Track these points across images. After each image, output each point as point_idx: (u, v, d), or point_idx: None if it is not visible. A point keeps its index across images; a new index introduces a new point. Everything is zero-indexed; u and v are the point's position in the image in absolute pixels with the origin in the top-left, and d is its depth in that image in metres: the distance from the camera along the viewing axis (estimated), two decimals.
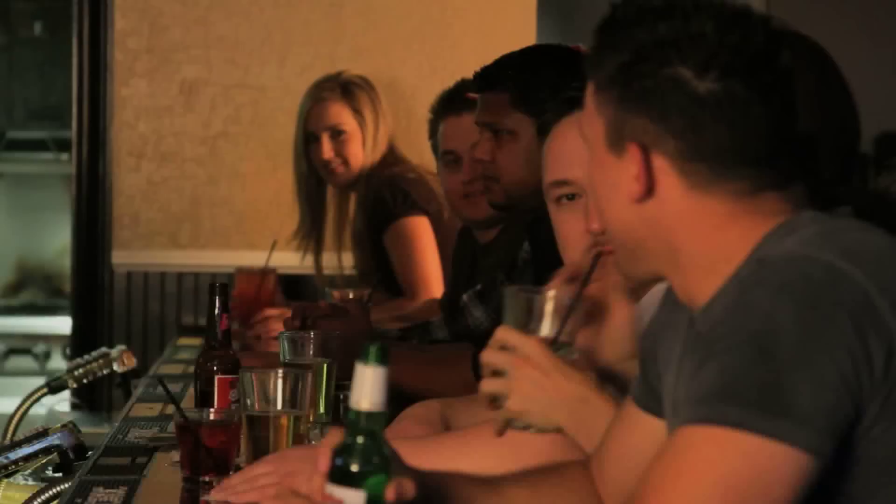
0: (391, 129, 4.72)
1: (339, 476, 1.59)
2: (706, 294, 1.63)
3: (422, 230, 4.50)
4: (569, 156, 2.24)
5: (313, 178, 4.71)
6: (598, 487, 1.88)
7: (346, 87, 4.67)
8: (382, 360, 1.59)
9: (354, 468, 1.59)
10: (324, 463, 1.58)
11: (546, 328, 2.00)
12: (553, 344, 1.98)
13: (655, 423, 1.80)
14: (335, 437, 1.60)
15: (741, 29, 1.62)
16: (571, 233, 2.24)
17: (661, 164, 1.64)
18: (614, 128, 1.66)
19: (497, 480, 1.85)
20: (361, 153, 4.61)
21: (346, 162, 4.61)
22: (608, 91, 1.66)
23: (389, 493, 1.59)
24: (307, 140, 4.67)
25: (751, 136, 1.63)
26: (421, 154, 4.62)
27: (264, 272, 4.14)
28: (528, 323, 2.01)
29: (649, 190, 1.65)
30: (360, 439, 1.59)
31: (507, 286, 2.08)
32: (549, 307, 2.01)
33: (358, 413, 1.59)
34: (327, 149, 4.62)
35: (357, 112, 4.63)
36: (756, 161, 1.63)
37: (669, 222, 1.65)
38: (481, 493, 1.80)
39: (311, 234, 4.78)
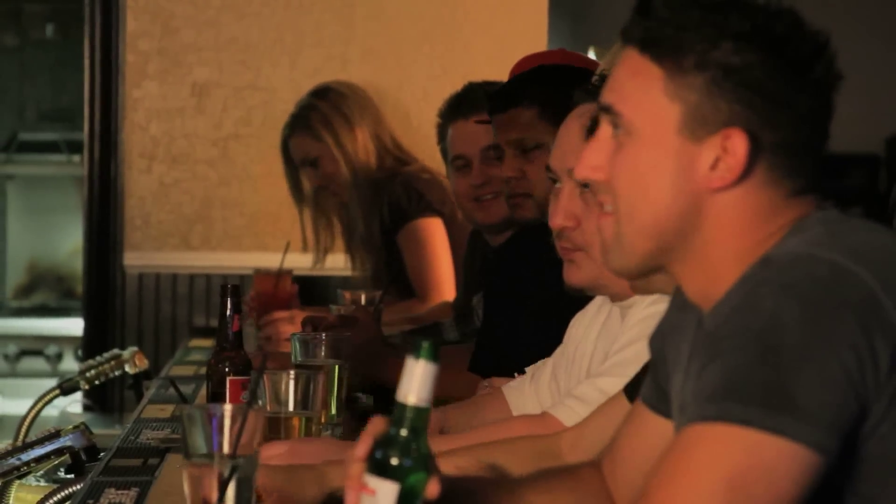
0: (374, 124, 4.70)
1: (377, 467, 1.59)
2: (722, 292, 1.62)
3: (436, 231, 4.50)
4: (562, 146, 2.35)
5: (312, 194, 4.72)
6: (609, 487, 1.88)
7: (301, 118, 4.66)
8: (433, 356, 1.59)
9: (394, 461, 1.59)
10: (363, 450, 1.59)
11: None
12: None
13: (664, 423, 1.80)
14: (378, 425, 1.60)
15: (805, 28, 1.64)
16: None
17: (747, 153, 1.62)
18: (699, 113, 1.62)
19: (515, 484, 1.86)
20: (343, 166, 4.60)
21: (333, 180, 4.61)
22: (694, 76, 1.62)
23: (431, 489, 1.59)
24: (293, 171, 4.70)
25: (825, 134, 1.65)
26: (431, 156, 4.62)
27: (280, 273, 4.15)
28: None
29: (738, 180, 1.63)
30: (402, 432, 1.59)
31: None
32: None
33: (404, 406, 1.59)
34: (312, 178, 4.65)
35: (316, 137, 4.63)
36: (814, 161, 1.65)
37: (718, 215, 1.64)
38: (500, 496, 1.81)
39: (320, 239, 4.78)
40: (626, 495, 1.85)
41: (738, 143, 1.62)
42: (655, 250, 1.67)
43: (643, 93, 1.65)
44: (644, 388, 1.85)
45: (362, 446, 1.59)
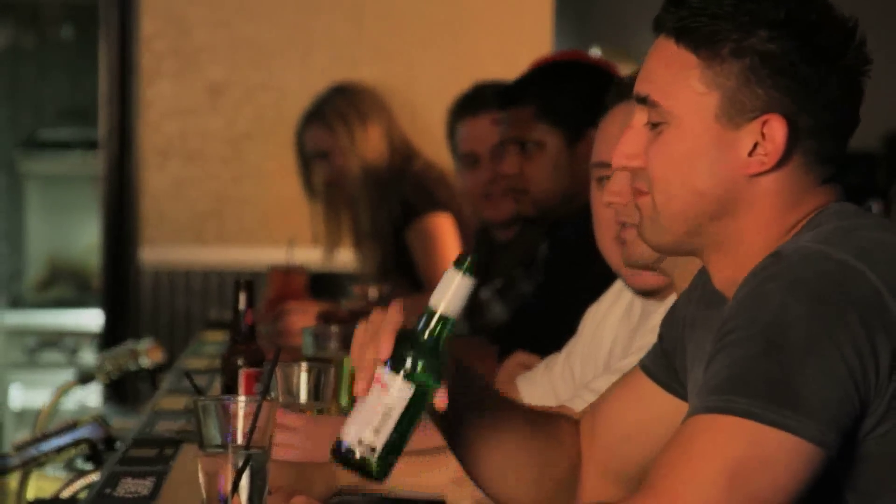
0: (401, 127, 4.75)
1: (395, 364, 1.62)
2: None
3: (445, 227, 4.52)
4: (615, 140, 2.30)
5: (323, 190, 4.75)
6: (582, 446, 1.88)
7: (317, 112, 4.69)
8: (473, 272, 1.62)
9: (412, 364, 1.61)
10: (386, 346, 1.62)
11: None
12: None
13: (658, 392, 1.82)
14: (396, 315, 1.63)
15: (835, 14, 1.66)
16: (608, 216, 2.33)
17: (786, 138, 1.63)
18: (737, 100, 1.63)
19: (519, 410, 1.86)
20: (353, 160, 4.63)
21: (344, 175, 4.65)
22: (731, 63, 1.63)
23: (440, 400, 1.63)
24: (305, 165, 4.73)
25: (856, 119, 1.68)
26: (438, 154, 4.67)
27: (289, 270, 4.18)
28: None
29: (776, 165, 1.64)
30: (425, 337, 1.62)
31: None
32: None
33: (433, 313, 1.63)
34: (323, 172, 4.67)
35: (331, 131, 4.66)
36: (845, 145, 1.68)
37: (753, 201, 1.65)
38: (485, 420, 1.82)
39: (331, 235, 4.81)
40: (600, 456, 1.86)
41: (776, 129, 1.63)
42: (691, 232, 1.67)
43: (680, 82, 1.65)
44: (647, 357, 1.86)
45: (385, 342, 1.62)
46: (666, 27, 1.68)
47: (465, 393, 1.76)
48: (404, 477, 2.09)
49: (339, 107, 4.68)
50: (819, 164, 1.66)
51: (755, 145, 1.64)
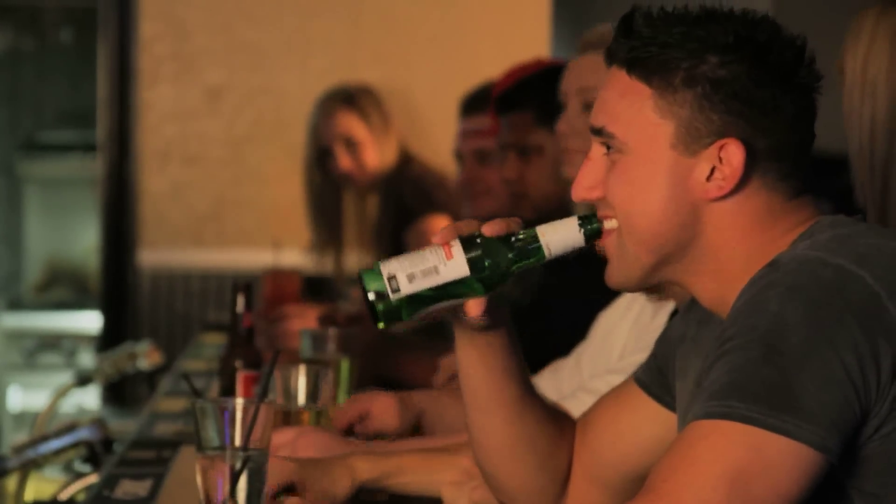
0: (401, 131, 4.78)
1: (471, 246, 1.65)
2: (736, 295, 1.62)
3: None
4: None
5: (329, 187, 4.77)
6: (575, 448, 1.88)
7: (351, 97, 4.72)
8: (590, 236, 1.66)
9: (484, 255, 1.65)
10: (475, 225, 1.66)
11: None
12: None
13: (650, 404, 1.83)
14: (501, 221, 1.67)
15: (784, 34, 1.67)
16: None
17: (743, 161, 1.64)
18: (692, 127, 1.63)
19: (538, 395, 1.88)
20: (376, 158, 4.67)
21: (363, 169, 4.67)
22: (684, 92, 1.63)
23: (475, 305, 1.66)
24: (322, 153, 4.74)
25: (812, 134, 1.68)
26: (436, 158, 4.69)
27: (281, 273, 4.18)
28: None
29: (735, 188, 1.64)
30: (512, 250, 1.65)
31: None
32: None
33: (535, 236, 1.66)
34: (344, 160, 4.69)
35: (366, 119, 4.69)
36: (805, 162, 1.68)
37: (719, 222, 1.66)
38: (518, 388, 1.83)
39: (330, 238, 4.82)
40: (588, 460, 1.86)
41: (733, 153, 1.63)
42: (658, 262, 1.68)
43: (634, 112, 1.66)
44: (640, 370, 1.86)
45: (476, 223, 1.67)
46: (618, 58, 1.68)
47: (503, 356, 1.79)
48: (421, 474, 2.10)
49: (374, 100, 4.72)
50: (782, 181, 1.66)
51: (712, 170, 1.64)
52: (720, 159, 1.64)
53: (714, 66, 1.63)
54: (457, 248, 1.65)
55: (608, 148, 1.69)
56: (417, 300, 1.65)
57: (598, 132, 1.69)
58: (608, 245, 1.71)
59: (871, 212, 2.17)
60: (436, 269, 1.64)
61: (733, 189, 1.64)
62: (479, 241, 1.66)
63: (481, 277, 1.65)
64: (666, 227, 1.66)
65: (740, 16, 1.66)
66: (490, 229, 1.68)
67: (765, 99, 1.63)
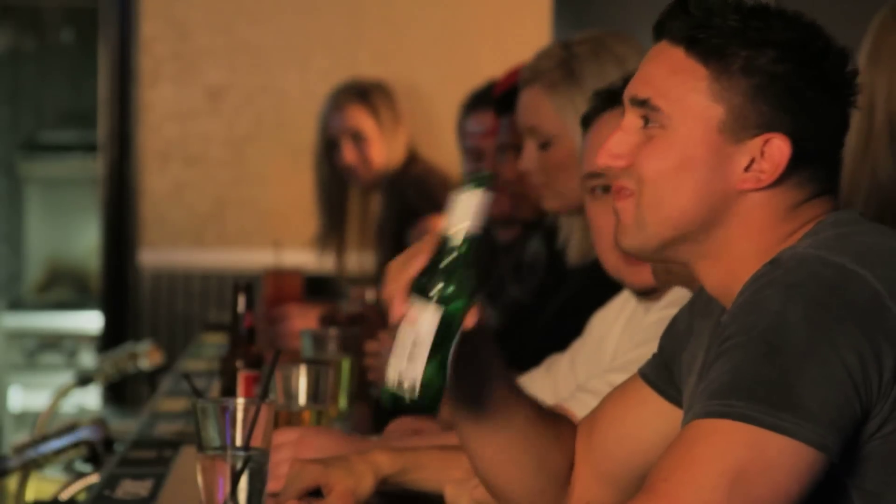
0: (409, 130, 4.79)
1: (420, 292, 1.61)
2: (740, 288, 1.63)
3: None
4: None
5: (335, 181, 4.77)
6: (578, 446, 1.89)
7: (363, 92, 4.73)
8: (480, 185, 1.62)
9: (434, 286, 1.61)
10: (414, 273, 1.63)
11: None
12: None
13: (656, 399, 1.83)
14: (425, 247, 1.63)
15: (835, 43, 1.68)
16: (605, 224, 2.28)
17: (788, 158, 1.65)
18: (742, 115, 1.64)
19: (527, 400, 1.86)
20: (382, 155, 4.68)
21: (368, 164, 4.68)
22: (739, 79, 1.64)
23: (469, 318, 1.62)
24: (329, 146, 4.75)
25: (842, 144, 1.70)
26: (442, 156, 4.69)
27: (282, 272, 4.18)
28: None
29: (772, 183, 1.65)
30: (447, 260, 1.62)
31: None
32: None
33: (446, 238, 1.63)
34: (349, 153, 4.69)
35: (375, 115, 4.70)
36: (834, 170, 1.70)
37: (745, 213, 1.66)
38: (512, 393, 1.83)
39: (332, 235, 4.83)
40: (595, 457, 1.86)
41: (778, 148, 1.64)
42: (676, 238, 1.68)
43: (686, 90, 1.65)
44: (646, 366, 1.86)
45: (412, 269, 1.63)
46: (672, 34, 1.68)
47: (476, 374, 1.77)
48: (438, 470, 2.10)
49: (386, 97, 4.72)
50: (811, 183, 1.67)
51: (752, 161, 1.65)
52: (762, 152, 1.65)
53: (772, 60, 1.63)
54: (413, 306, 1.62)
55: (646, 122, 1.68)
56: (433, 370, 1.63)
57: (640, 103, 1.69)
58: (623, 210, 1.70)
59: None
60: (417, 336, 1.62)
61: (770, 183, 1.65)
62: (420, 283, 1.63)
63: (451, 301, 1.62)
64: (695, 207, 1.66)
65: (793, 16, 1.67)
66: (413, 271, 1.63)
67: (814, 102, 1.65)
